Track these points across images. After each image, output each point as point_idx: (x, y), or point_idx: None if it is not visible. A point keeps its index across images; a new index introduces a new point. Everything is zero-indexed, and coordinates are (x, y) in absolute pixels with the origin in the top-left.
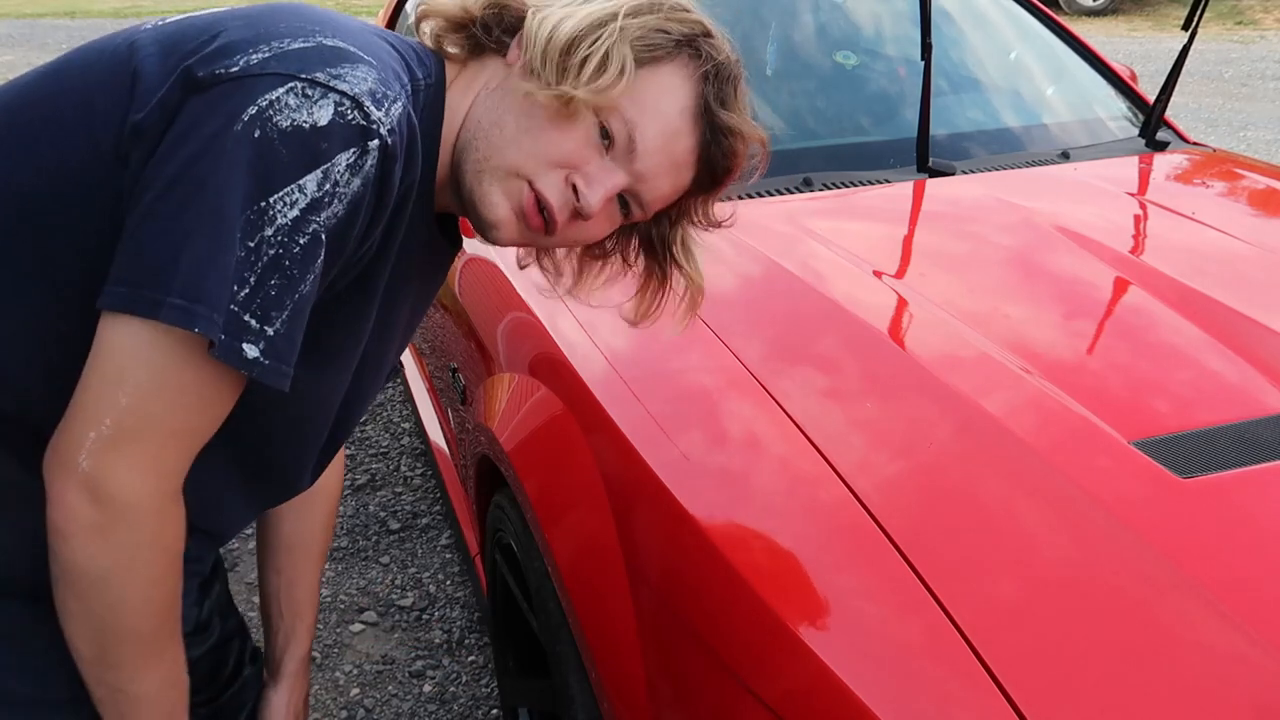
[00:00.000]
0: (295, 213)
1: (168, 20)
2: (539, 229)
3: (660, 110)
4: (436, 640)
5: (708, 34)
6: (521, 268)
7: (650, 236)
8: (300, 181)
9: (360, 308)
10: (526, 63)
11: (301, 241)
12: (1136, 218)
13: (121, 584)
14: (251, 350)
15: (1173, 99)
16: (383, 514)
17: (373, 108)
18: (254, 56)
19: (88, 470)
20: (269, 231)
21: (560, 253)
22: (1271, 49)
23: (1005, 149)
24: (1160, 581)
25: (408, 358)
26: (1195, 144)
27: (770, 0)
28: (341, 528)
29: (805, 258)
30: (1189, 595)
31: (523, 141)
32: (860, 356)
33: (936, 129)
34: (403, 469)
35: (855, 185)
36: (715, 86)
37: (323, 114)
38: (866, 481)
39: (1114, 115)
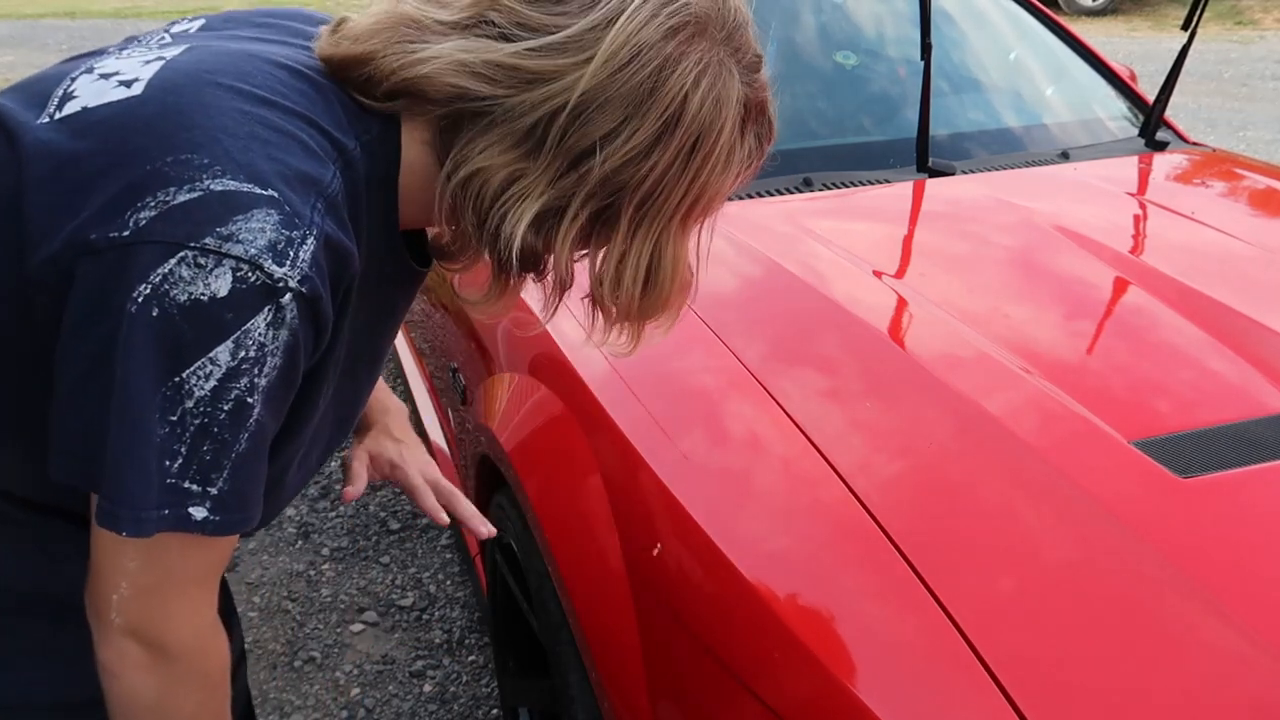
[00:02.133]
0: (212, 384)
1: (58, 118)
2: None
3: None
4: (437, 640)
5: None
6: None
7: None
8: (211, 354)
9: (326, 373)
10: None
11: (226, 408)
12: (1136, 218)
13: (171, 712)
14: (199, 512)
15: (1172, 99)
16: (383, 514)
17: (274, 265)
18: (142, 216)
19: (120, 624)
20: (189, 404)
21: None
22: (1271, 49)
23: (1005, 149)
24: (1160, 581)
25: (408, 358)
26: (1195, 144)
27: (770, 0)
28: (342, 528)
29: (805, 258)
30: (1189, 595)
31: None
32: (860, 356)
33: (936, 129)
34: None
35: (855, 185)
36: None
37: (220, 284)
38: (866, 481)
39: (1113, 115)
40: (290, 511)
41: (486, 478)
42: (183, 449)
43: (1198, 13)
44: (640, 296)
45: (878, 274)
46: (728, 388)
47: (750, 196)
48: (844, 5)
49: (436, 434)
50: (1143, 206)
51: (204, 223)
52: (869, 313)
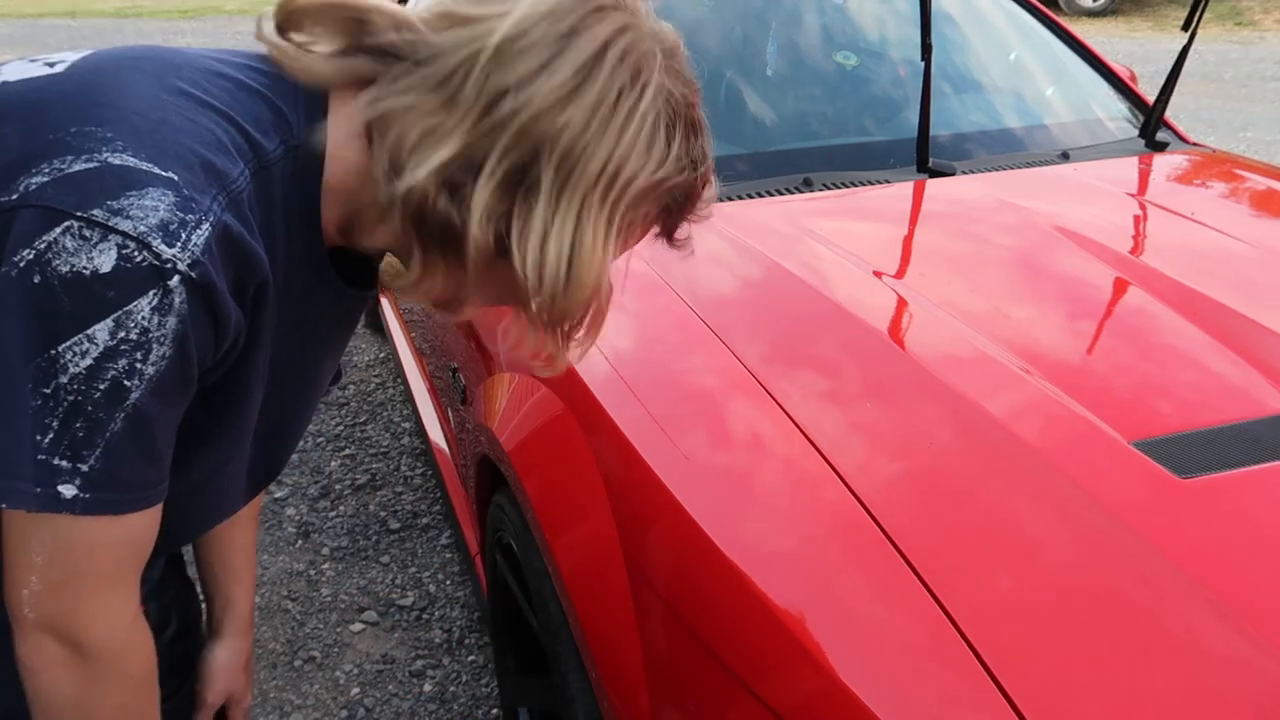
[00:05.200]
0: (89, 361)
1: None
2: None
3: None
4: (436, 640)
5: None
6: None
7: None
8: (89, 331)
9: (244, 380)
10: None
11: (102, 387)
12: (1136, 218)
13: (90, 711)
14: (68, 490)
15: (1172, 100)
16: (383, 514)
17: (163, 245)
18: (33, 180)
19: (34, 619)
20: (63, 379)
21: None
22: (1271, 50)
23: (1005, 149)
24: (1160, 581)
25: (408, 358)
26: (1195, 145)
27: (770, 0)
28: (342, 527)
29: (805, 258)
30: (1188, 595)
31: None
32: (860, 357)
33: (937, 129)
34: (403, 469)
35: (855, 185)
36: None
37: (104, 259)
38: (866, 482)
39: (1114, 116)
40: (290, 511)
41: (486, 478)
42: (54, 423)
43: (1198, 13)
44: (565, 285)
45: (878, 274)
46: (728, 388)
47: (750, 196)
48: (844, 5)
49: (436, 434)
50: (1143, 207)
51: (94, 194)
52: (869, 313)
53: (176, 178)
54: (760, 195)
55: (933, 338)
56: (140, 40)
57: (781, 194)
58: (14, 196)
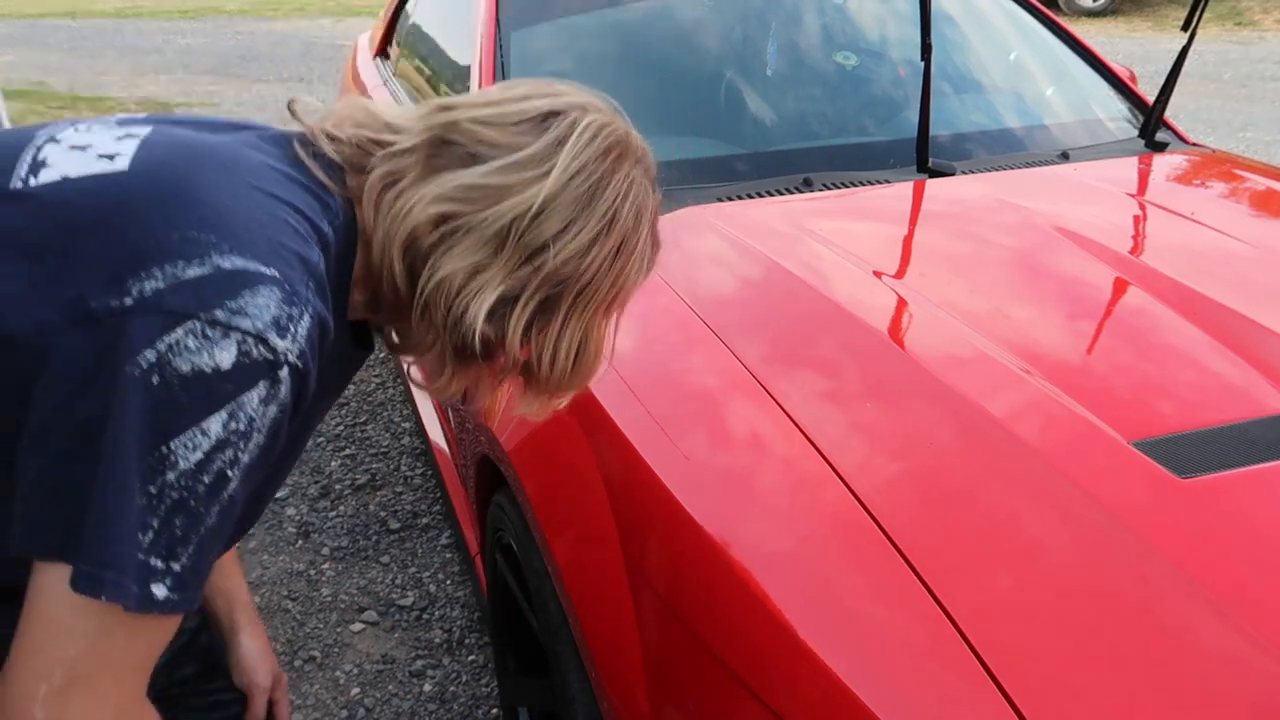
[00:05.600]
0: (199, 455)
1: (40, 178)
2: None
3: None
4: (436, 640)
5: None
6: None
7: None
8: (203, 424)
9: (278, 449)
10: None
11: (206, 480)
12: (1136, 218)
13: None
14: (160, 590)
15: (1172, 100)
16: (383, 514)
17: (278, 339)
18: (147, 285)
19: (43, 718)
20: (170, 476)
21: None
22: (1271, 50)
23: (1005, 149)
24: (1159, 581)
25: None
26: (1194, 145)
27: (770, 0)
28: (342, 527)
29: (805, 258)
30: (1188, 595)
31: None
32: (860, 357)
33: (937, 129)
34: (403, 469)
35: (855, 185)
36: None
37: (225, 355)
38: (866, 482)
39: (1113, 116)
40: (290, 511)
41: (486, 478)
42: (156, 522)
43: (1198, 13)
44: (570, 372)
45: (878, 274)
46: (728, 388)
47: (750, 196)
48: (844, 5)
49: (436, 434)
50: (1143, 207)
51: (213, 296)
52: (869, 313)
53: (279, 274)
54: (760, 195)
55: (933, 338)
56: (140, 39)
57: (781, 194)
58: (127, 301)
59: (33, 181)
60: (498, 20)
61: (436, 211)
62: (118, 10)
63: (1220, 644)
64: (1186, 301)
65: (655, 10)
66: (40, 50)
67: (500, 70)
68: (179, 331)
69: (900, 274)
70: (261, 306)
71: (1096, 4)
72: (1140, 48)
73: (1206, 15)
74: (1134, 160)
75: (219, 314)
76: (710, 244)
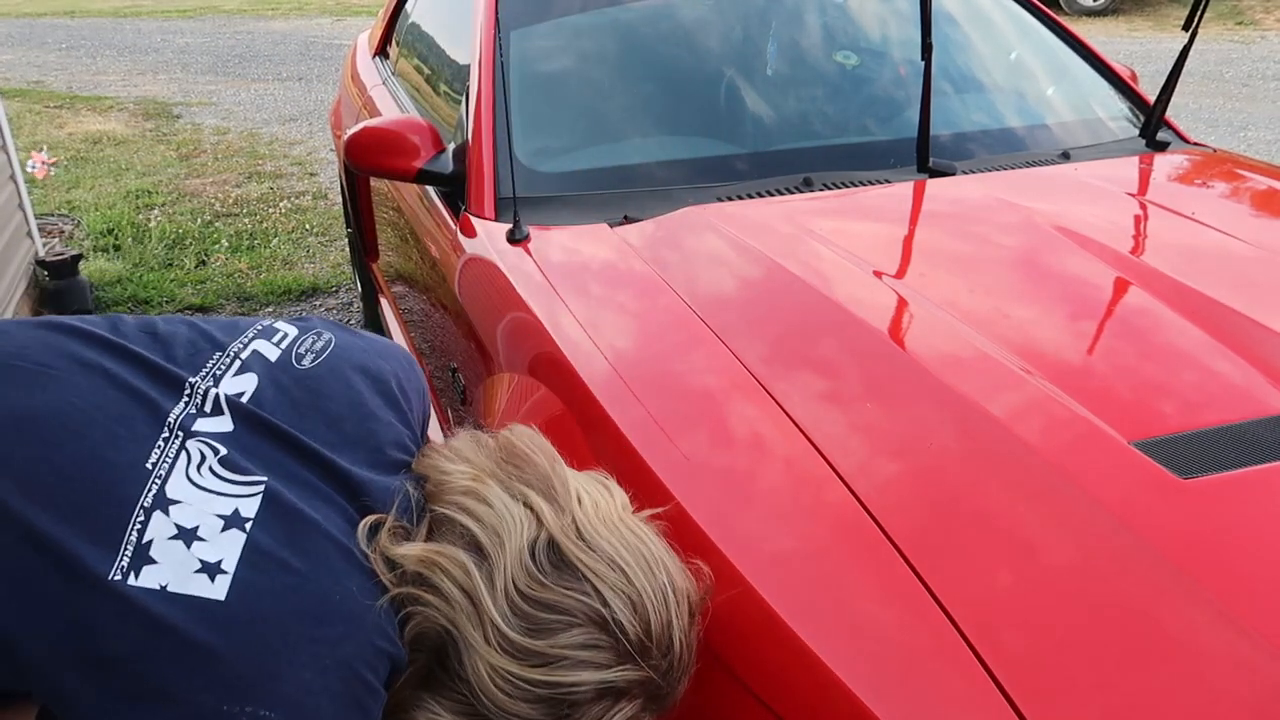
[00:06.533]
0: None
1: (140, 578)
2: None
3: None
4: None
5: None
6: None
7: None
8: None
9: None
10: None
11: None
12: (1137, 218)
13: None
14: None
15: (1173, 99)
16: None
17: None
18: None
19: None
20: None
21: None
22: (1272, 49)
23: (1006, 149)
24: (1160, 582)
25: None
26: (1196, 144)
27: (771, 0)
28: None
29: (806, 258)
30: (1189, 595)
31: None
32: (860, 357)
33: (937, 129)
34: None
35: (856, 185)
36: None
37: None
38: (867, 482)
39: (1114, 115)
40: None
41: None
42: None
43: (1199, 13)
44: None
45: (878, 274)
46: (728, 388)
47: (750, 196)
48: (844, 5)
49: (436, 434)
50: (1143, 207)
51: None
52: (869, 313)
53: None
54: (760, 195)
55: (933, 338)
56: (138, 39)
57: (781, 194)
58: None
59: (133, 580)
60: (497, 20)
61: None
62: (116, 10)
63: (1221, 645)
64: (1187, 301)
65: (655, 10)
66: (38, 49)
67: (500, 70)
68: None
69: (901, 274)
70: None
71: (1097, 3)
72: (1141, 47)
73: (1208, 14)
74: (1135, 160)
75: None
76: (710, 244)
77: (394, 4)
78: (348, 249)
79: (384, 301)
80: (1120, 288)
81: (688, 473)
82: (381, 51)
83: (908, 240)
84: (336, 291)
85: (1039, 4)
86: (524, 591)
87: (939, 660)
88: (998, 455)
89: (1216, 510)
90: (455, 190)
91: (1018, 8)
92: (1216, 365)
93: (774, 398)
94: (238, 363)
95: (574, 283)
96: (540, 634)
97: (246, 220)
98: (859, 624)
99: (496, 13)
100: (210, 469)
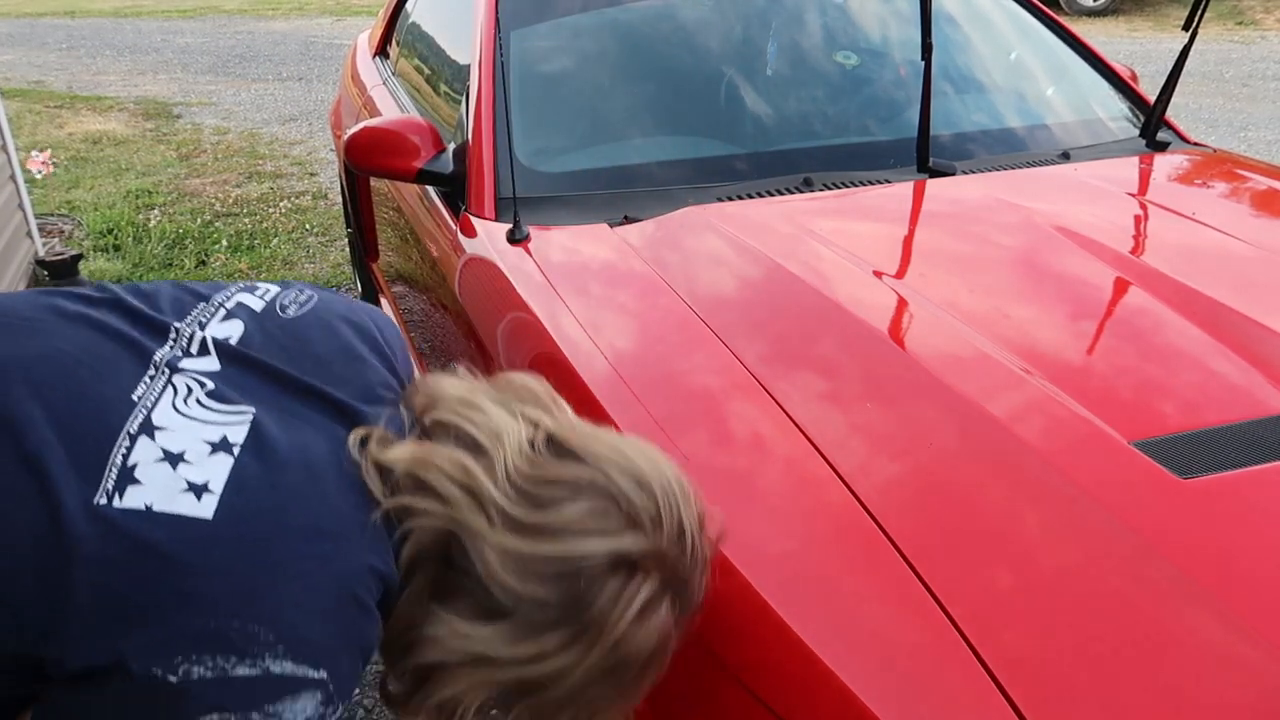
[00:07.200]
0: None
1: (125, 499)
2: None
3: None
4: None
5: None
6: None
7: None
8: None
9: None
10: None
11: None
12: (1137, 218)
13: None
14: None
15: (1173, 99)
16: None
17: None
18: (194, 670)
19: None
20: None
21: None
22: (1272, 49)
23: (1006, 149)
24: (1160, 582)
25: None
26: (1196, 144)
27: (771, 0)
28: None
29: (806, 258)
30: (1189, 596)
31: None
32: (861, 357)
33: (937, 129)
34: None
35: (856, 185)
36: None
37: None
38: (867, 482)
39: (1114, 115)
40: None
41: None
42: None
43: (1199, 13)
44: None
45: (878, 274)
46: (728, 388)
47: (750, 196)
48: (844, 5)
49: None
50: (1144, 207)
51: (256, 698)
52: (870, 313)
53: (327, 676)
54: (760, 195)
55: (933, 338)
56: (139, 39)
57: (781, 194)
58: (173, 679)
59: (117, 503)
60: (497, 19)
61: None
62: (116, 10)
63: (1222, 645)
64: (1187, 301)
65: (655, 10)
66: (38, 49)
67: (500, 70)
68: (214, 718)
69: (900, 274)
70: (299, 711)
71: (1097, 3)
72: (1141, 47)
73: (1208, 14)
74: (1135, 160)
75: (254, 715)
76: (710, 244)
77: (394, 4)
78: (348, 249)
79: (384, 301)
80: (1120, 288)
81: (688, 473)
82: (381, 51)
83: (908, 240)
84: (337, 291)
85: (1039, 4)
86: (525, 472)
87: (939, 660)
88: (997, 455)
89: (1216, 510)
90: (455, 190)
91: (1018, 8)
92: (1216, 365)
93: (774, 398)
94: (223, 311)
95: (574, 283)
96: (545, 508)
97: (246, 220)
98: (859, 624)
99: (496, 13)
100: (198, 400)
